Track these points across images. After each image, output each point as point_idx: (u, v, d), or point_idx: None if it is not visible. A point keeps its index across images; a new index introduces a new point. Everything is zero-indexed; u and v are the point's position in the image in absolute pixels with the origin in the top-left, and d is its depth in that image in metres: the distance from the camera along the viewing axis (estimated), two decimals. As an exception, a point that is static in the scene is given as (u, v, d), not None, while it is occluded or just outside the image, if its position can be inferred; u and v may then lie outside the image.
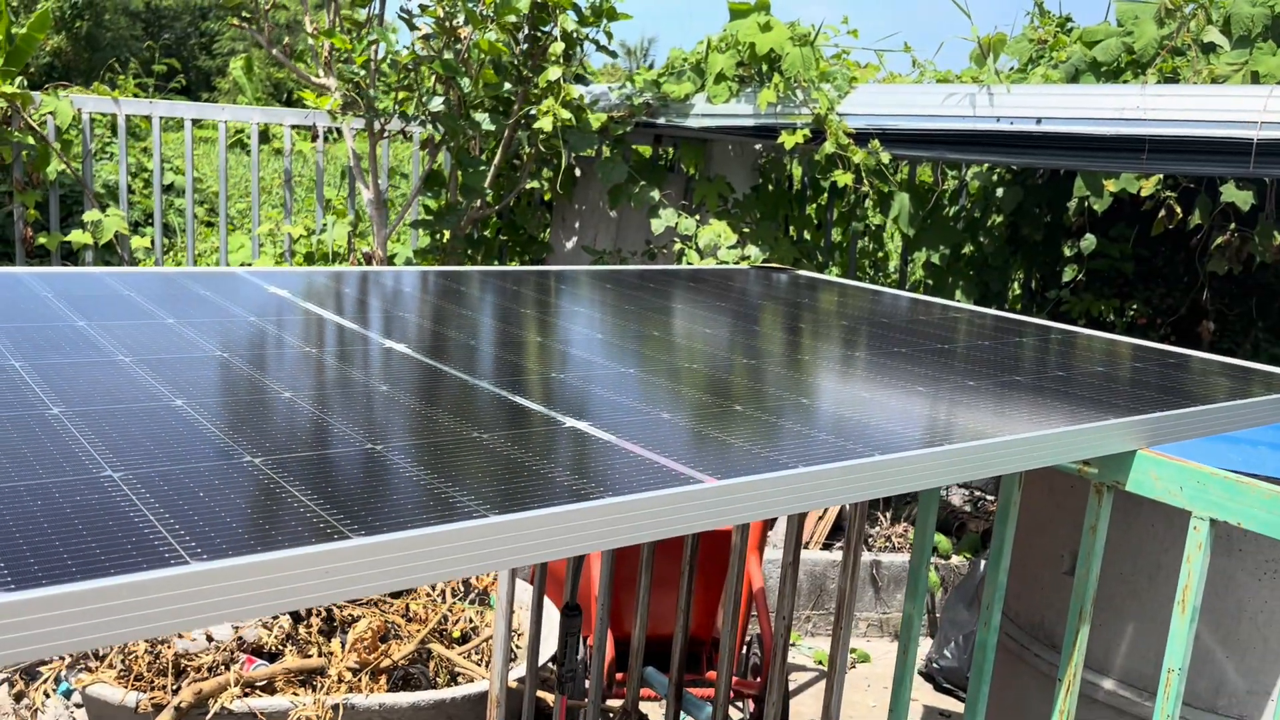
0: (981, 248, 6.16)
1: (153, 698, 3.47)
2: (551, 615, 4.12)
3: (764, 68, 5.17)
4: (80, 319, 1.84)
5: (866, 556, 5.65)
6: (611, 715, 3.57)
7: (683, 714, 2.96)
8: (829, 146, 4.81)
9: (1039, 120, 4.45)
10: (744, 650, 4.20)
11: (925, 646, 5.48)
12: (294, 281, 2.42)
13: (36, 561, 0.83)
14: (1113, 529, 2.00)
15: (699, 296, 2.80)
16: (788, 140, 4.95)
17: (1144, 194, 5.01)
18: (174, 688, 3.56)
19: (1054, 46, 5.17)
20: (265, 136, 14.38)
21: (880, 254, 6.51)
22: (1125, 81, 4.95)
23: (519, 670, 3.67)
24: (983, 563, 5.14)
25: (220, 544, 0.91)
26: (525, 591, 4.09)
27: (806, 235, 6.20)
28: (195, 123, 5.51)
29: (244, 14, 4.48)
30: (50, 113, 5.13)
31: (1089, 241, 5.79)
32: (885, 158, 4.82)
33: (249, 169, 6.41)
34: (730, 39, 5.30)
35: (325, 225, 5.56)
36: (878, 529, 5.93)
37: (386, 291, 2.46)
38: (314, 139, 5.16)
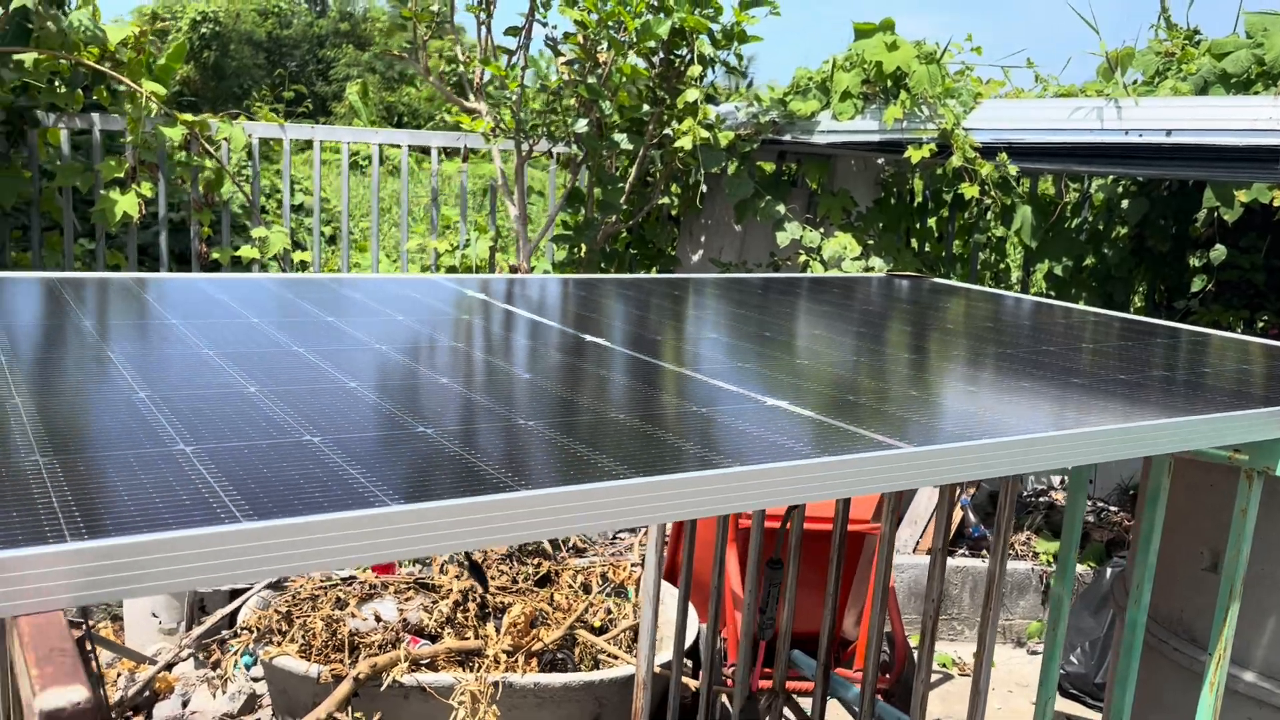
0: (1105, 259, 6.19)
1: (332, 669, 3.80)
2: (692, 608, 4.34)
3: (889, 85, 5.34)
4: (329, 315, 2.14)
5: (986, 563, 5.73)
6: (756, 698, 3.76)
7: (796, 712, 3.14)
8: (956, 160, 4.95)
9: (1169, 132, 4.52)
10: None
11: (1049, 653, 5.53)
12: (486, 285, 2.71)
13: (270, 500, 1.08)
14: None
15: (850, 300, 3.00)
16: (914, 155, 5.10)
17: (1276, 204, 5.02)
18: (349, 662, 3.89)
19: (1182, 59, 5.21)
20: (381, 158, 14.99)
21: (1001, 265, 6.59)
22: (1256, 93, 4.97)
23: (662, 657, 3.90)
24: (1109, 570, 5.18)
25: (401, 492, 1.15)
26: (667, 593, 4.32)
27: (927, 247, 6.32)
28: (314, 144, 5.92)
29: (405, 45, 4.84)
30: (225, 138, 5.60)
31: (1219, 252, 5.78)
32: (1013, 170, 4.93)
33: (368, 188, 6.81)
34: (855, 58, 5.48)
35: (468, 241, 5.91)
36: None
37: (570, 295, 2.72)
38: (464, 160, 5.52)
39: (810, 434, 1.48)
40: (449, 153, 8.99)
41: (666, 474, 1.23)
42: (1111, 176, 6.16)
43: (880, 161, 6.07)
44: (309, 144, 6.67)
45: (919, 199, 6.36)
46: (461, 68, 5.03)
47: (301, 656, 3.94)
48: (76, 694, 0.76)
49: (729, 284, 3.13)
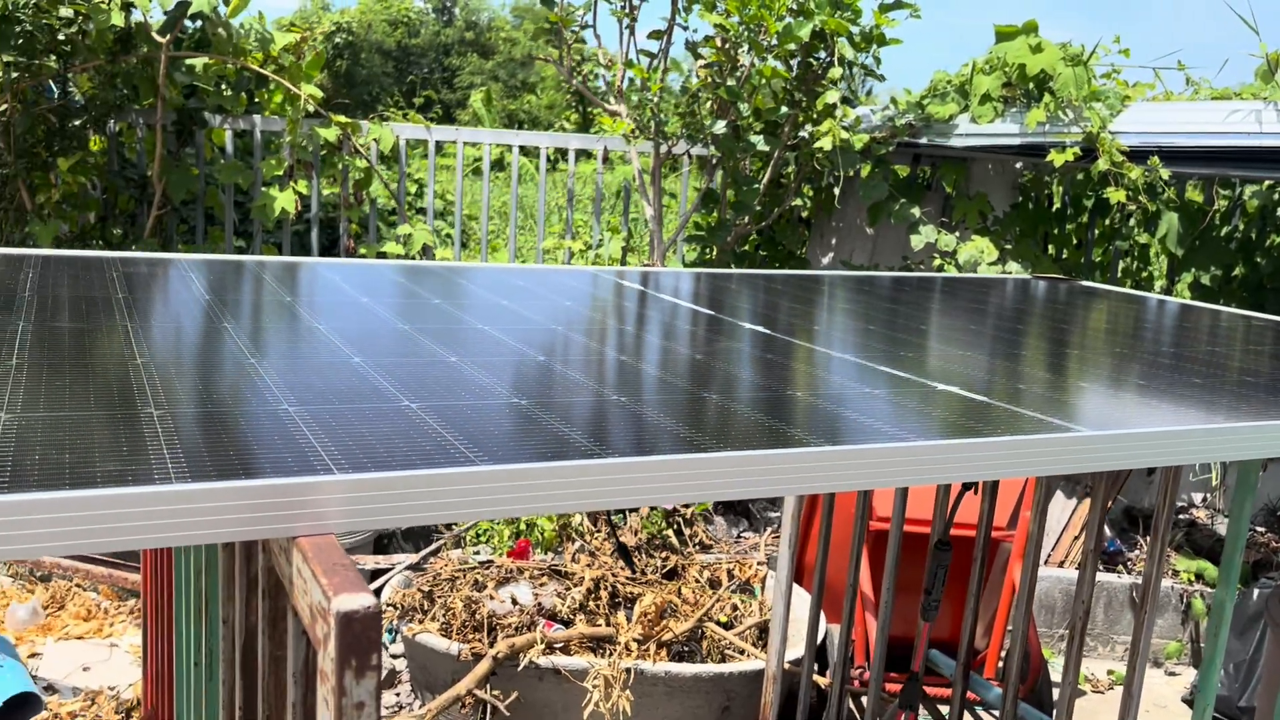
0: (1257, 268, 5.96)
1: (472, 648, 3.95)
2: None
3: (1032, 88, 5.25)
4: (504, 299, 2.26)
5: (1125, 580, 5.57)
6: (887, 699, 3.76)
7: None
8: (1102, 164, 4.85)
9: (1334, 135, 4.34)
10: (1005, 657, 4.29)
11: (1190, 675, 5.34)
12: (634, 277, 2.79)
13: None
14: None
15: (1001, 299, 2.99)
16: (1056, 158, 5.01)
17: None
18: (487, 641, 4.03)
19: (1349, 60, 4.99)
20: (503, 164, 15.31)
21: (1144, 274, 6.40)
22: None
23: (789, 654, 3.93)
24: (1256, 590, 4.98)
25: (492, 454, 1.22)
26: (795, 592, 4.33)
27: (1065, 254, 6.18)
28: (438, 146, 6.12)
29: (550, 49, 4.99)
30: (375, 139, 5.85)
31: (1382, 263, 5.51)
32: (1164, 174, 4.80)
33: (493, 191, 7.01)
34: (996, 60, 5.41)
35: (601, 241, 6.04)
36: (1136, 553, 5.82)
37: (733, 289, 2.79)
38: (603, 161, 5.65)
39: (988, 416, 1.51)
40: (565, 155, 9.18)
41: (863, 444, 1.29)
42: (1268, 182, 5.92)
43: (1018, 165, 5.97)
44: (439, 147, 6.91)
45: (1057, 204, 6.23)
46: (604, 70, 5.15)
47: (442, 635, 4.10)
48: (367, 599, 0.85)
49: (885, 281, 3.15)
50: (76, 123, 5.20)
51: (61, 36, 4.92)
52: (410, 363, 1.57)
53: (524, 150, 10.57)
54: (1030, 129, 5.20)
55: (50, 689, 4.12)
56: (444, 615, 4.19)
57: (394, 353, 1.63)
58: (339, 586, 0.88)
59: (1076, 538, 5.72)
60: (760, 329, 2.14)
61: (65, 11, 4.84)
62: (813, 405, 1.49)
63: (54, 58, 4.97)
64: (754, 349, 1.93)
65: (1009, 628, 4.63)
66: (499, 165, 15.27)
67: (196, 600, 1.84)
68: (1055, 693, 4.96)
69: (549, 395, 1.43)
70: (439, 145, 6.19)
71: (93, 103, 5.25)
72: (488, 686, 3.88)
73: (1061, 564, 5.68)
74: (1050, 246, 6.11)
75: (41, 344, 1.46)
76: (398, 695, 4.49)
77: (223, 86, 5.84)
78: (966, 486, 2.74)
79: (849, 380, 1.72)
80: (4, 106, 4.91)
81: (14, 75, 4.80)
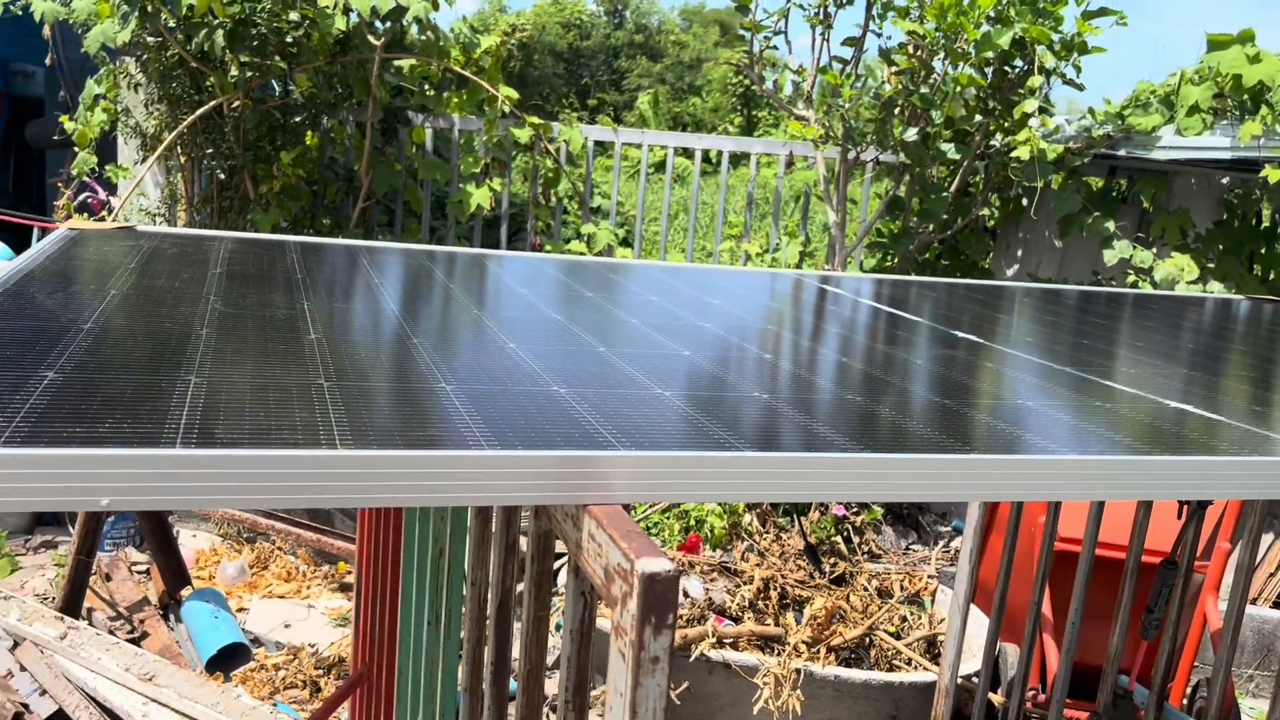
0: None
1: (645, 636, 4.06)
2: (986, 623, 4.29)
3: (1246, 99, 5.00)
4: (711, 297, 2.34)
5: (1325, 623, 5.23)
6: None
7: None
8: (1323, 181, 4.58)
9: None
10: (1190, 692, 4.12)
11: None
12: (830, 279, 2.83)
13: (520, 434, 1.22)
14: None
15: (1206, 321, 2.89)
16: (1272, 174, 4.76)
17: None
18: (659, 631, 4.14)
19: None
20: (661, 166, 15.42)
21: (1361, 299, 5.97)
22: None
23: (963, 669, 3.88)
24: None
25: (634, 441, 1.26)
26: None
27: (1274, 274, 5.85)
28: (643, 148, 6.24)
29: (725, 52, 5.07)
30: (565, 140, 6.05)
31: None
32: (1394, 194, 4.50)
33: (657, 193, 7.09)
34: (1207, 70, 5.17)
35: (778, 245, 6.08)
36: (1338, 595, 5.46)
37: (948, 299, 2.80)
38: (788, 165, 5.70)
39: (1209, 433, 1.50)
40: (735, 159, 9.23)
41: (1060, 455, 1.30)
42: None
43: (1225, 181, 5.68)
44: (604, 147, 7.05)
45: (1267, 222, 5.90)
46: (795, 76, 5.19)
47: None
48: (667, 564, 0.94)
49: (1084, 296, 3.09)
50: (297, 119, 5.59)
51: (289, 39, 5.30)
52: (649, 354, 1.67)
53: (683, 151, 10.72)
54: (1243, 142, 4.95)
55: (256, 641, 4.46)
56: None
57: (630, 344, 1.73)
58: (640, 550, 0.97)
59: (1272, 574, 5.41)
60: (965, 335, 2.16)
61: (293, 16, 5.22)
62: (1014, 412, 1.51)
63: (280, 59, 5.36)
64: (948, 353, 1.95)
65: (1196, 663, 4.44)
66: (660, 167, 15.47)
67: (434, 564, 2.00)
68: (1244, 735, 4.72)
69: (784, 392, 1.50)
70: (606, 147, 6.35)
71: (311, 101, 5.63)
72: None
73: (1254, 601, 5.38)
74: (1256, 266, 5.79)
75: (333, 321, 1.63)
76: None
77: (426, 87, 6.16)
78: (1201, 506, 2.66)
79: (1047, 388, 1.73)
80: (236, 103, 5.33)
81: (247, 75, 5.20)
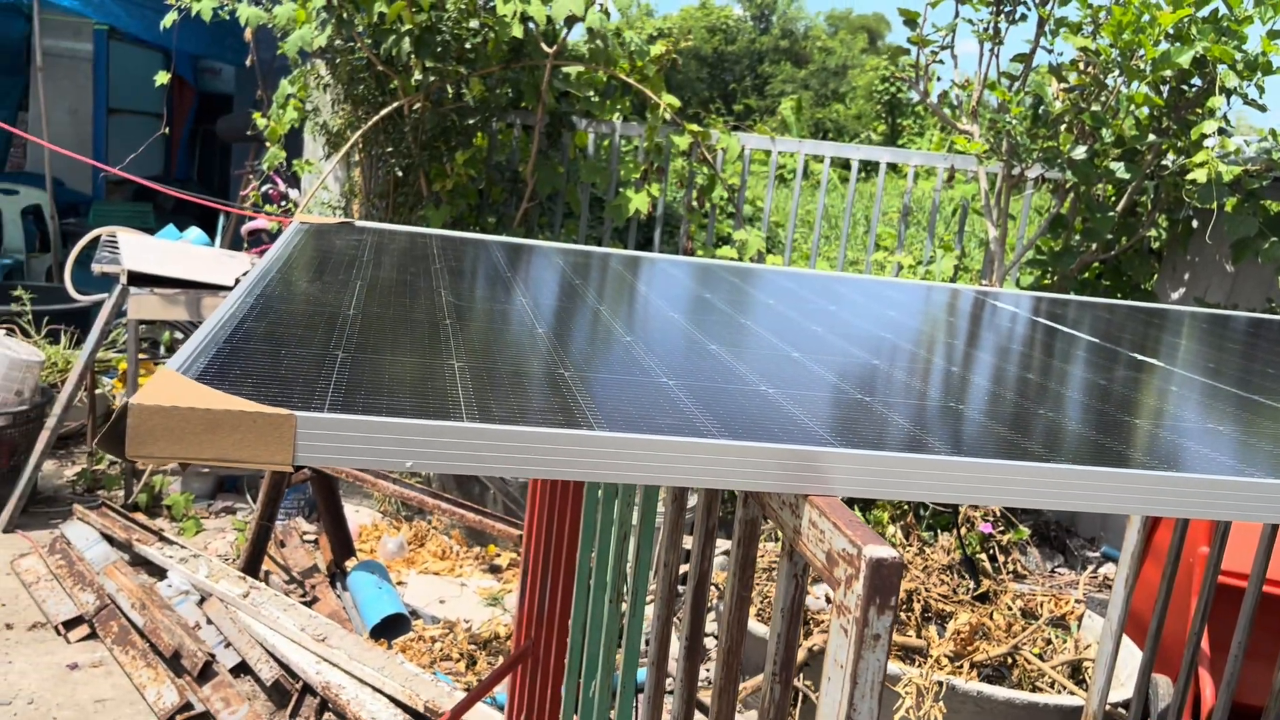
0: None
1: (787, 637, 4.14)
2: (1133, 652, 4.21)
3: None
4: (828, 301, 2.42)
5: None
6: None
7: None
8: None
9: None
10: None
11: None
12: (1025, 303, 2.86)
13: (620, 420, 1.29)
14: None
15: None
16: None
17: None
18: (803, 633, 4.22)
19: None
20: (807, 172, 15.37)
21: None
22: None
23: (1110, 697, 3.83)
24: None
25: (730, 429, 1.31)
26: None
27: None
28: (799, 157, 6.28)
29: (906, 69, 5.10)
30: (722, 148, 6.17)
31: None
32: None
33: (811, 200, 7.16)
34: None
35: (933, 258, 6.06)
36: None
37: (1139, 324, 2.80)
38: (949, 180, 5.68)
39: None
40: (911, 170, 9.13)
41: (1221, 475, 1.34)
42: None
43: None
44: (757, 153, 7.12)
45: None
46: (959, 90, 5.18)
47: (757, 620, 4.32)
48: (891, 551, 1.04)
49: (1271, 324, 3.04)
50: (470, 121, 5.87)
51: (467, 45, 5.58)
52: (840, 360, 1.76)
53: (839, 161, 10.72)
54: None
55: (415, 614, 4.73)
56: (760, 602, 4.42)
57: (822, 350, 1.83)
58: (864, 538, 1.08)
59: None
60: (1136, 355, 2.17)
61: (474, 23, 5.49)
62: (1180, 431, 1.55)
63: (459, 64, 5.65)
64: (1135, 375, 1.98)
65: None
66: (805, 174, 15.41)
67: (617, 546, 2.14)
68: None
69: (974, 401, 1.58)
70: (754, 152, 6.42)
71: (483, 104, 5.91)
72: (801, 675, 4.05)
73: None
74: None
75: (554, 318, 1.78)
76: (707, 670, 4.77)
77: (590, 93, 6.37)
78: None
79: (1211, 411, 1.74)
80: (417, 105, 5.64)
81: (430, 79, 5.50)
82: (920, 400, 1.55)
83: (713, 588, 4.68)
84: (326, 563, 4.97)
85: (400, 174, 5.80)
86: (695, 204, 6.33)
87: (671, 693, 1.77)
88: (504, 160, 6.44)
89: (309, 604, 4.54)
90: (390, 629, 4.47)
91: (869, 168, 9.97)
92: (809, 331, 2.03)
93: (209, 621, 4.18)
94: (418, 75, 5.42)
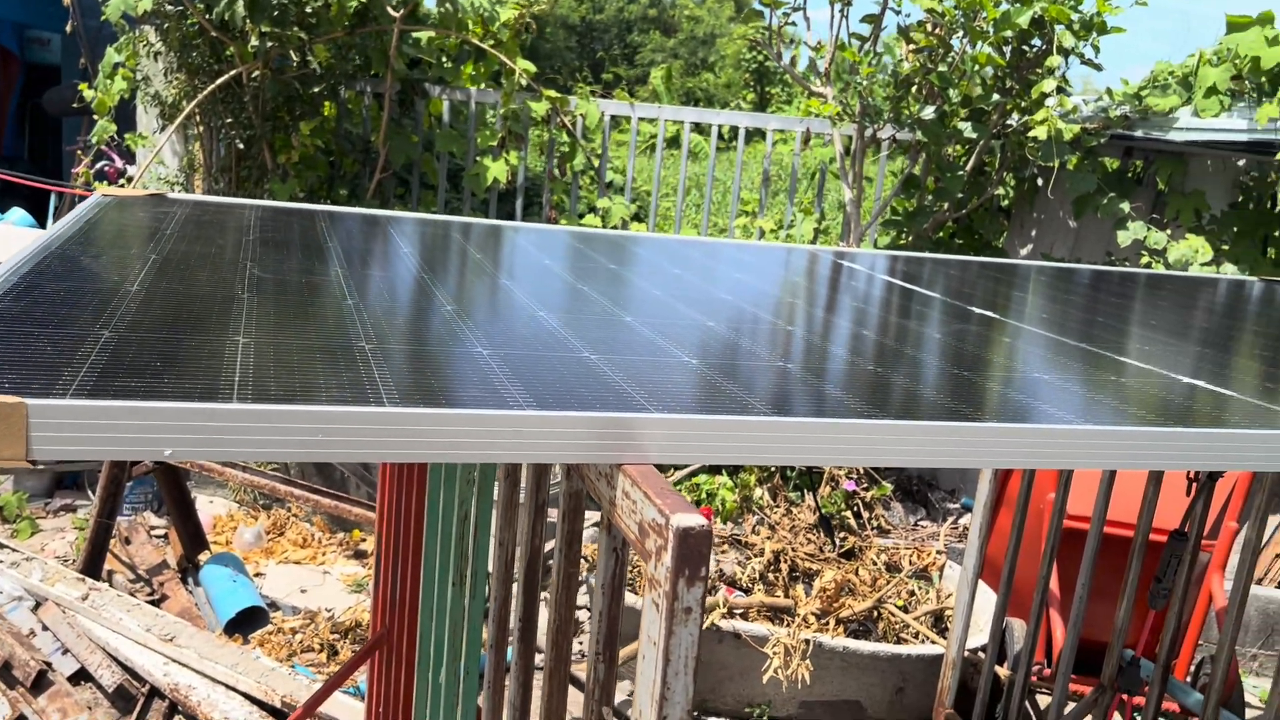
0: None
1: (656, 606, 4.12)
2: (991, 598, 4.35)
3: (1264, 81, 5.00)
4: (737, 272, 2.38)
5: (1330, 604, 5.27)
6: (1073, 697, 3.73)
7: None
8: (1340, 164, 4.58)
9: None
10: (1194, 669, 4.17)
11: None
12: (852, 255, 2.87)
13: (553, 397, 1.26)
14: None
15: (1220, 301, 2.92)
16: (1288, 157, 4.76)
17: None
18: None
19: None
20: (678, 140, 15.37)
21: (1375, 284, 5.98)
22: None
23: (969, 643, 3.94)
24: None
25: (665, 405, 1.30)
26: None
27: (1287, 258, 5.85)
28: (618, 122, 6.25)
29: (761, 32, 5.08)
30: (581, 114, 6.07)
31: None
32: None
33: (670, 169, 7.11)
34: (1226, 52, 5.16)
35: (793, 221, 6.10)
36: (1344, 578, 5.50)
37: (976, 278, 2.83)
38: (805, 142, 5.71)
39: (1218, 407, 1.53)
40: (750, 135, 9.22)
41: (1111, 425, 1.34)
42: None
43: (1241, 163, 5.68)
44: (617, 122, 7.06)
45: (1282, 206, 5.89)
46: (813, 53, 5.19)
47: (627, 591, 4.29)
48: (700, 519, 0.99)
49: (1098, 275, 3.12)
50: (315, 90, 5.61)
51: (308, 9, 5.32)
52: (674, 324, 1.71)
53: (698, 127, 10.72)
54: (1260, 125, 4.95)
55: (274, 605, 4.54)
56: (630, 574, 4.39)
57: (657, 314, 1.77)
58: (673, 506, 1.01)
59: (1279, 555, 5.45)
60: (978, 310, 2.19)
61: (313, -14, 5.24)
62: (1024, 385, 1.55)
63: (300, 29, 5.38)
64: (973, 329, 1.98)
65: (1201, 640, 4.48)
66: (674, 142, 15.42)
67: (458, 528, 2.05)
68: (1250, 714, 4.78)
69: (799, 359, 1.54)
70: (619, 121, 6.36)
71: (329, 72, 5.65)
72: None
73: (1260, 581, 5.43)
74: (1271, 249, 5.79)
75: (364, 288, 1.67)
76: (580, 643, 4.72)
77: (443, 59, 6.17)
78: (1211, 478, 2.71)
79: (1063, 362, 1.76)
80: (255, 73, 5.35)
81: (267, 45, 5.23)
82: (752, 362, 1.51)
83: (584, 560, 4.63)
84: (177, 558, 4.72)
85: (242, 146, 5.51)
86: (557, 172, 6.21)
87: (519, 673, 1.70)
88: (356, 130, 6.20)
89: (157, 603, 4.30)
90: (247, 623, 4.28)
91: (738, 134, 10.01)
92: (649, 296, 1.97)
93: (44, 628, 3.92)
94: (254, 41, 5.14)
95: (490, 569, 1.75)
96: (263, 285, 1.58)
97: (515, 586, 1.60)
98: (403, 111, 6.15)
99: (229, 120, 5.44)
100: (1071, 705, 3.56)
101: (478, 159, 5.91)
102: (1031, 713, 4.52)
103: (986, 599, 4.47)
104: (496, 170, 5.78)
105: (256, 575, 4.81)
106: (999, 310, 2.27)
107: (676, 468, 5.61)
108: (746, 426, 1.18)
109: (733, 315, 1.85)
